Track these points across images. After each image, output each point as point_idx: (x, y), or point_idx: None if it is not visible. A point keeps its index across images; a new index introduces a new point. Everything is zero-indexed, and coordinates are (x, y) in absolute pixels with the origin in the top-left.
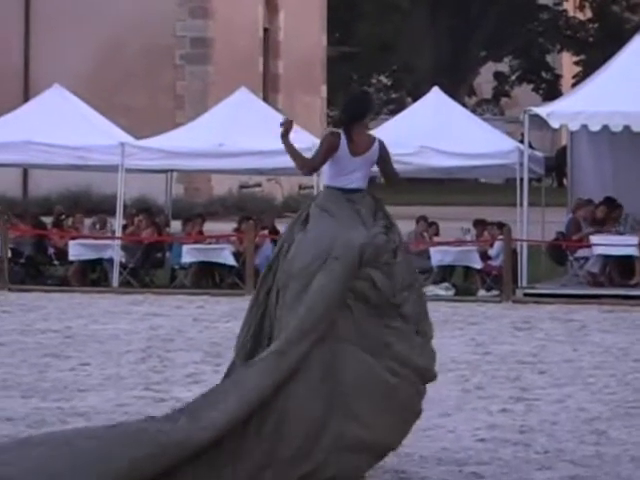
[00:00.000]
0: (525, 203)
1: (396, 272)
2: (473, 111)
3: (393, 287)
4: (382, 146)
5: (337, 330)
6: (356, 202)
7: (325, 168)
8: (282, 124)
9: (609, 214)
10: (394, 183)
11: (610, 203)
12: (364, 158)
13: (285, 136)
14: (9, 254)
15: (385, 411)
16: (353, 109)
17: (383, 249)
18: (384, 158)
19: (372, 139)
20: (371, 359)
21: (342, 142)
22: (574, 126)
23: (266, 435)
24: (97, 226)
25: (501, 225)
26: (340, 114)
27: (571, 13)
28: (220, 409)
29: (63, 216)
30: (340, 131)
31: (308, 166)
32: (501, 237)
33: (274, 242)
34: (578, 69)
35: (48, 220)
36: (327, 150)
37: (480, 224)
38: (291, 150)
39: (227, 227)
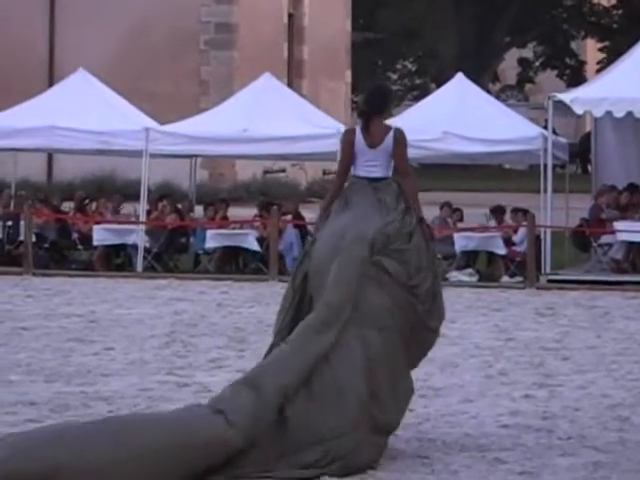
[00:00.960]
0: (549, 189)
1: (410, 257)
2: (497, 97)
3: (407, 271)
4: (395, 135)
5: (360, 315)
6: (380, 190)
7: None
8: None
9: (632, 200)
10: (400, 174)
11: (634, 189)
12: (381, 149)
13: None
14: (33, 239)
15: (398, 393)
16: (372, 103)
17: (394, 237)
18: (395, 147)
19: (388, 129)
20: (390, 345)
21: (357, 135)
22: (598, 112)
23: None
24: (109, 207)
25: (522, 211)
26: (361, 106)
27: None
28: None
29: (87, 201)
30: (355, 127)
31: (337, 174)
32: (525, 223)
33: (297, 227)
34: (602, 55)
35: (71, 205)
36: (344, 149)
37: (498, 211)
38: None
39: (251, 212)
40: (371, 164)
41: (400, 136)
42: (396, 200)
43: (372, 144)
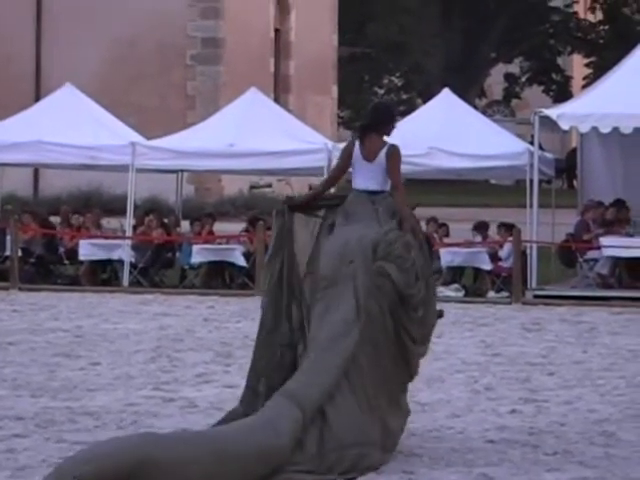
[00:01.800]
0: (535, 204)
1: (410, 265)
2: (483, 112)
3: (407, 279)
4: (388, 150)
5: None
6: (376, 202)
7: (352, 172)
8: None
9: (618, 216)
10: (392, 187)
11: (619, 205)
12: (377, 163)
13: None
14: (19, 253)
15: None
16: (368, 119)
17: (395, 244)
18: (388, 161)
19: (383, 145)
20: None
21: (356, 148)
22: (584, 128)
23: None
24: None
25: (507, 226)
26: (361, 122)
27: (582, 15)
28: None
29: (70, 215)
30: (356, 140)
31: (328, 177)
32: (511, 239)
33: None
34: (588, 71)
35: (58, 220)
36: (342, 157)
37: (482, 227)
38: (314, 193)
39: (237, 227)
40: (368, 177)
41: (392, 150)
42: (391, 214)
43: (368, 158)
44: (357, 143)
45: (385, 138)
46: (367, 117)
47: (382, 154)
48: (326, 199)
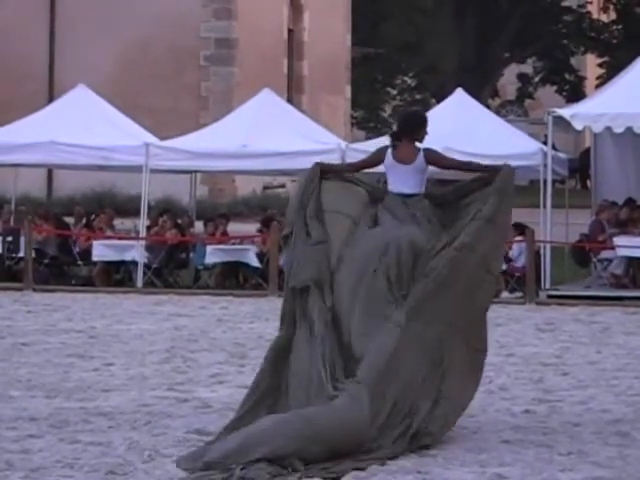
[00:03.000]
0: (549, 205)
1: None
2: (497, 112)
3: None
4: (426, 155)
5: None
6: (411, 206)
7: (387, 177)
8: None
9: (632, 215)
10: (470, 170)
11: (632, 204)
12: (412, 167)
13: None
14: (33, 254)
15: None
16: (399, 126)
17: (430, 244)
18: (436, 162)
19: (417, 150)
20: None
21: (388, 155)
22: (598, 128)
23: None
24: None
25: (516, 226)
26: (394, 129)
27: (595, 15)
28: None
29: (93, 216)
30: (387, 145)
31: (356, 163)
32: (518, 239)
33: None
34: (602, 71)
35: (71, 220)
36: (371, 157)
37: None
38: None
39: (251, 228)
40: (402, 181)
41: (430, 152)
42: (427, 218)
43: (403, 162)
44: (389, 151)
45: (417, 144)
46: (400, 124)
47: (420, 158)
48: (366, 182)
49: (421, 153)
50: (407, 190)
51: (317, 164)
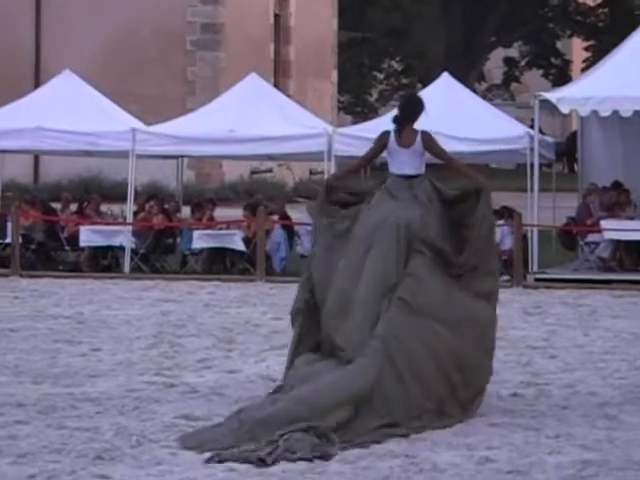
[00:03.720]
0: (536, 188)
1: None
2: (483, 97)
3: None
4: (423, 137)
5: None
6: (414, 187)
7: (388, 160)
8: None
9: (618, 199)
10: (445, 163)
11: (619, 188)
12: (412, 150)
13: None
14: (20, 240)
15: None
16: (406, 110)
17: (429, 224)
18: (428, 147)
19: (416, 133)
20: None
21: (391, 138)
22: (584, 111)
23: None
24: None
25: (506, 210)
26: (396, 114)
27: None
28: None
29: (85, 204)
30: (390, 130)
31: (361, 159)
32: (501, 222)
33: (284, 228)
34: (588, 54)
35: (58, 206)
36: (375, 146)
37: None
38: (349, 170)
39: (238, 213)
40: (404, 163)
41: (427, 136)
42: (428, 197)
43: (404, 145)
44: (392, 133)
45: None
46: (403, 109)
47: (418, 140)
48: (364, 190)
49: (419, 136)
50: (410, 171)
51: (323, 186)
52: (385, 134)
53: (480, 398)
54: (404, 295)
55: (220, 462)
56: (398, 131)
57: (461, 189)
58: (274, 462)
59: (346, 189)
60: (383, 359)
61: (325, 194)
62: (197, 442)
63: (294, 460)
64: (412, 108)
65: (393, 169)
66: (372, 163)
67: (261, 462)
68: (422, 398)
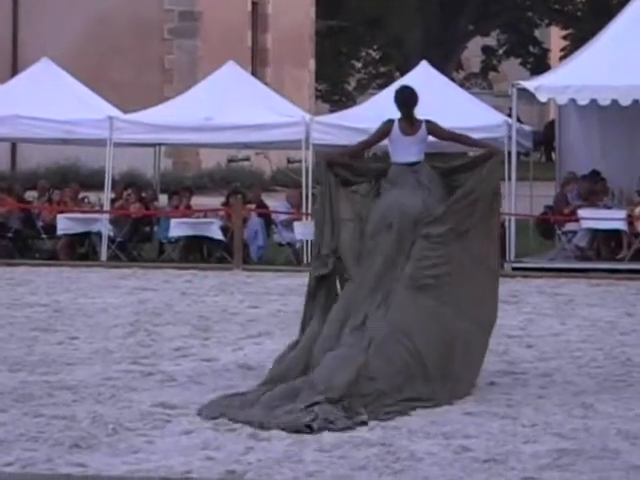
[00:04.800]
0: (513, 177)
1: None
2: (461, 85)
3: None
4: (427, 125)
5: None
6: (417, 172)
7: (390, 149)
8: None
9: (595, 188)
10: (455, 140)
11: (596, 177)
12: (416, 137)
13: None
14: None
15: None
16: (409, 100)
17: (433, 209)
18: (435, 133)
19: (419, 121)
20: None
21: (395, 128)
22: (562, 100)
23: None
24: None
25: None
26: (398, 105)
27: None
28: None
29: (51, 190)
30: (394, 118)
31: (362, 142)
32: None
33: (261, 216)
34: (566, 43)
35: (35, 195)
36: (379, 132)
37: None
38: (349, 152)
39: (215, 201)
40: (407, 151)
41: (431, 123)
42: (431, 181)
43: (408, 133)
44: (396, 123)
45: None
46: (406, 99)
47: (422, 128)
48: (370, 167)
49: (424, 124)
50: (412, 159)
51: (325, 160)
52: (389, 122)
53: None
54: (414, 274)
55: (265, 429)
56: (401, 120)
57: (468, 159)
58: (320, 430)
59: (350, 168)
60: (402, 338)
61: (327, 167)
62: (218, 410)
63: (336, 430)
64: (412, 97)
65: (396, 157)
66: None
67: (308, 429)
68: (439, 374)
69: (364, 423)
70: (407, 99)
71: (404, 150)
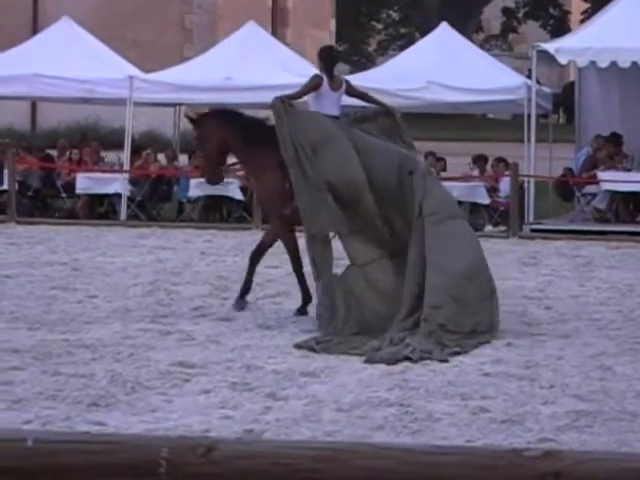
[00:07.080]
0: (533, 139)
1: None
2: (481, 47)
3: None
4: (347, 83)
5: None
6: (360, 123)
7: (314, 103)
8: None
9: (615, 150)
10: (368, 100)
11: (616, 139)
12: (339, 93)
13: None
14: (16, 187)
15: None
16: (334, 57)
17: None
18: (353, 91)
19: (341, 80)
20: None
21: (325, 82)
22: (582, 62)
23: None
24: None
25: (504, 161)
26: (322, 61)
27: None
28: None
29: (73, 151)
30: (321, 74)
31: (296, 92)
32: (508, 173)
33: None
34: (586, 5)
35: (55, 153)
36: (309, 85)
37: (481, 160)
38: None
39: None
40: (334, 105)
41: (348, 83)
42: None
43: (335, 89)
44: (325, 79)
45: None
46: (332, 56)
47: (344, 86)
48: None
49: (344, 83)
50: (336, 112)
51: (279, 100)
52: (318, 77)
53: None
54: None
55: (371, 363)
56: (331, 76)
57: (371, 112)
58: (419, 359)
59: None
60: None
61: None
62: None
63: (434, 360)
64: (336, 57)
65: (324, 110)
66: None
67: (409, 360)
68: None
69: (457, 353)
70: (333, 56)
71: (331, 104)
